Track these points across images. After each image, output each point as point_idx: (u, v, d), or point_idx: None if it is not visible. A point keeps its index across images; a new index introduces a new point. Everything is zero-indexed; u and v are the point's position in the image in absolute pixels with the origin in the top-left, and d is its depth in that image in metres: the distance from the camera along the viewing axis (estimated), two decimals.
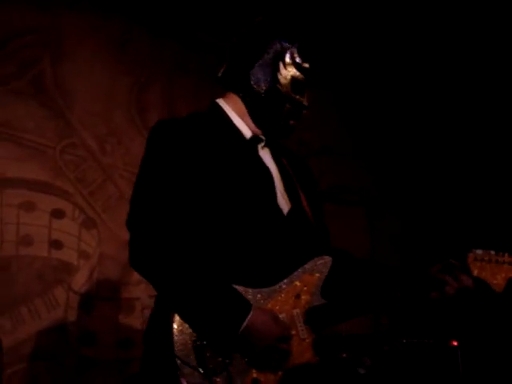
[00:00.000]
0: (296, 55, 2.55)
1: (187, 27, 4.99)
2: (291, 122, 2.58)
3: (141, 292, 4.53)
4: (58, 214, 4.47)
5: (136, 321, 4.48)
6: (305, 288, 2.42)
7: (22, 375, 4.24)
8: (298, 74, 2.55)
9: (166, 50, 4.91)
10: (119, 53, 4.77)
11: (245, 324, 2.26)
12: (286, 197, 2.54)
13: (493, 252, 2.47)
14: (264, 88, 2.55)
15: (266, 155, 2.61)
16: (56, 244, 4.44)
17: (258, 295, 2.37)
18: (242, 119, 2.60)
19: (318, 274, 2.43)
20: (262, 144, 2.61)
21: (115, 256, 4.54)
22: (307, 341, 2.37)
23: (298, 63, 2.55)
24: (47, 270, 4.39)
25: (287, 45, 2.56)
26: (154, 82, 4.86)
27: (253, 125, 2.60)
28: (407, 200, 5.28)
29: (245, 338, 2.26)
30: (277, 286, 2.41)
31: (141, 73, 4.82)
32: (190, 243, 2.35)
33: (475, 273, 2.44)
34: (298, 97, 2.56)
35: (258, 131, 2.60)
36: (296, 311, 2.39)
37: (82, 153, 4.58)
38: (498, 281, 2.44)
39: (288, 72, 2.54)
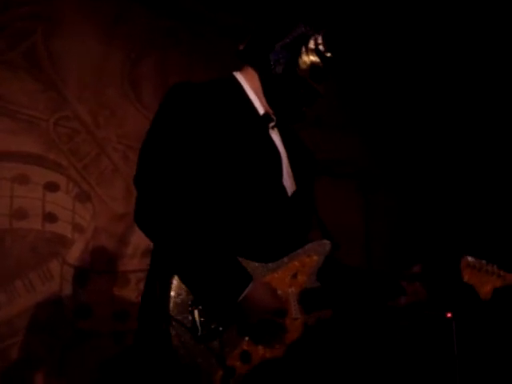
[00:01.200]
0: (320, 42, 2.53)
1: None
2: (304, 108, 2.57)
3: (135, 265, 4.55)
4: (51, 187, 4.46)
5: (131, 293, 4.49)
6: (302, 269, 2.43)
7: (18, 348, 4.25)
8: (318, 61, 2.53)
9: (159, 22, 4.88)
10: (112, 26, 4.74)
11: (244, 293, 2.25)
12: (292, 179, 2.55)
13: (484, 261, 2.59)
14: (282, 69, 2.54)
15: (275, 135, 2.61)
16: (50, 217, 4.43)
17: (257, 269, 2.37)
18: (257, 95, 2.59)
19: (315, 257, 2.46)
20: (273, 124, 2.60)
21: (110, 229, 4.55)
22: (299, 320, 2.38)
23: (320, 51, 2.53)
24: (41, 243, 4.38)
25: (313, 31, 2.55)
26: (147, 55, 4.84)
27: (266, 103, 2.59)
28: (402, 175, 5.28)
29: (242, 308, 2.26)
30: (276, 263, 2.42)
31: (134, 46, 4.80)
32: (197, 205, 2.33)
33: (465, 278, 2.57)
34: (314, 84, 2.54)
35: (270, 110, 2.59)
36: (291, 290, 2.40)
37: (75, 126, 4.56)
38: (485, 289, 2.58)
39: (309, 58, 2.53)
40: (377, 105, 5.40)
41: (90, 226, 4.52)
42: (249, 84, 2.60)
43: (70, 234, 4.46)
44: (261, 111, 2.58)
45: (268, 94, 2.57)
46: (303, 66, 2.52)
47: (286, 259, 2.43)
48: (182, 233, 2.28)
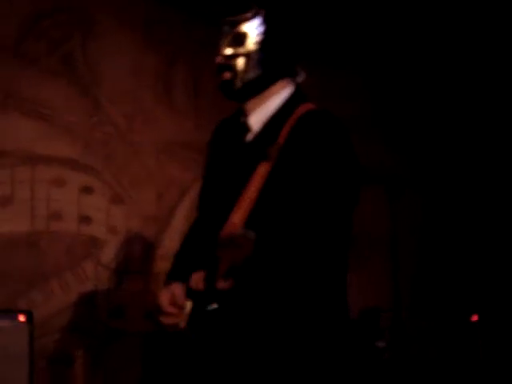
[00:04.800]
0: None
1: (214, 6, 5.00)
2: (220, 78, 2.50)
3: (167, 267, 4.61)
4: (87, 190, 4.57)
5: None
6: None
7: (53, 347, 4.39)
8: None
9: (192, 27, 4.90)
10: (147, 31, 4.79)
11: None
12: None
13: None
14: None
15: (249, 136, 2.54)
16: (85, 219, 4.55)
17: None
18: None
19: None
20: (247, 126, 2.52)
21: (142, 231, 4.64)
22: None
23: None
24: (77, 245, 4.51)
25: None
26: (181, 60, 4.88)
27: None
28: (428, 178, 5.24)
29: None
30: None
31: (168, 50, 4.85)
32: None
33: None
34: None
35: (245, 108, 2.53)
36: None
37: (110, 130, 4.66)
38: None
39: None
40: (401, 107, 5.35)
41: (123, 228, 4.62)
42: None
43: (104, 235, 4.57)
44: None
45: None
46: None
47: None
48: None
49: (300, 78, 2.54)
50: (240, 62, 2.45)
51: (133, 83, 4.74)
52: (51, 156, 4.51)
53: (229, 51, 2.46)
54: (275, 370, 2.29)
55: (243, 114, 2.50)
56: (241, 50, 2.46)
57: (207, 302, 2.25)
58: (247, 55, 2.45)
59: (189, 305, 2.32)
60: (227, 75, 2.46)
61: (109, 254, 4.58)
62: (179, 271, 2.51)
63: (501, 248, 4.93)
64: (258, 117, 2.48)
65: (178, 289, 2.39)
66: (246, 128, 2.49)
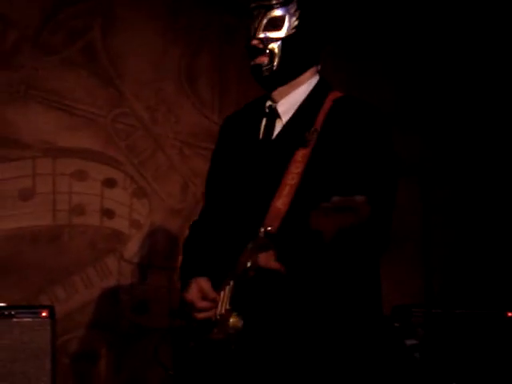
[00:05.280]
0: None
1: None
2: (251, 62, 2.45)
3: None
4: (109, 183, 4.54)
5: None
6: None
7: (78, 343, 4.37)
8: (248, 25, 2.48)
9: (216, 17, 4.86)
10: (170, 21, 4.74)
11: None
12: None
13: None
14: None
15: (277, 123, 2.49)
16: (108, 213, 4.51)
17: None
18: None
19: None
20: (273, 111, 2.48)
21: (166, 225, 4.59)
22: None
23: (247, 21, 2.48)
24: (99, 239, 4.48)
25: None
26: (204, 50, 4.83)
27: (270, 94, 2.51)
28: (462, 169, 5.21)
29: None
30: None
31: (191, 41, 4.80)
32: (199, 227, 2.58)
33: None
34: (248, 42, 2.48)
35: (273, 96, 2.48)
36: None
37: (132, 122, 4.61)
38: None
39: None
40: (433, 98, 5.31)
41: (146, 222, 4.57)
42: None
43: (127, 229, 4.53)
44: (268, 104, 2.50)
45: None
46: None
47: None
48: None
49: (319, 67, 2.54)
50: (276, 47, 2.42)
51: (155, 74, 4.69)
52: (73, 148, 4.48)
53: (265, 35, 2.42)
54: (303, 361, 2.27)
55: (271, 102, 2.47)
56: (278, 35, 2.42)
57: (278, 280, 2.22)
58: (284, 40, 2.43)
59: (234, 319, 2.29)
60: (262, 59, 2.42)
61: (132, 248, 4.53)
62: (199, 266, 2.46)
63: None
64: (288, 105, 2.46)
65: (204, 283, 2.38)
66: (275, 116, 2.46)
